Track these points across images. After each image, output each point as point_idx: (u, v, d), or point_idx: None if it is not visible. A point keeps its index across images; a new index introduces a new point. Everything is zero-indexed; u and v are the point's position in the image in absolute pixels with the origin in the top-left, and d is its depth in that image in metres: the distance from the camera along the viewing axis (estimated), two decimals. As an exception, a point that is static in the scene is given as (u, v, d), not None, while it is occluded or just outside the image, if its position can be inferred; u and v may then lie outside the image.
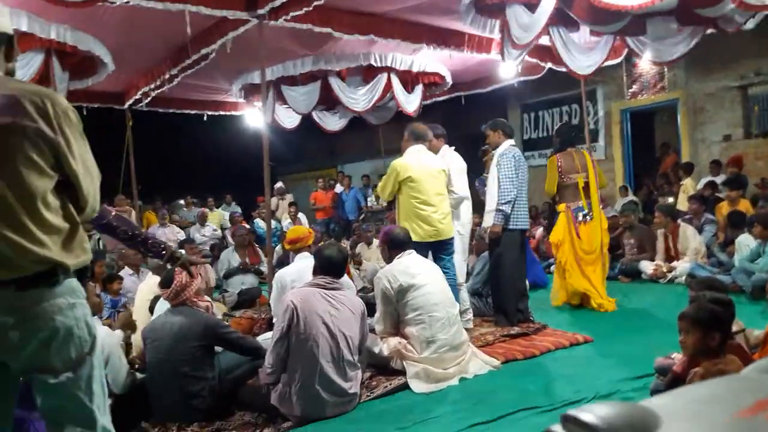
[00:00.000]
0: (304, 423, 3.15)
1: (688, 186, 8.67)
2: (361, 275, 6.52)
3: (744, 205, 7.03)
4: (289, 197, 11.51)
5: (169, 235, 9.47)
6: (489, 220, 4.95)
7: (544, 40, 6.19)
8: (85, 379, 1.79)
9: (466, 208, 5.04)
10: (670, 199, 8.78)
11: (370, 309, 3.83)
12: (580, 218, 5.45)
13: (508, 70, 8.68)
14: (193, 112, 9.76)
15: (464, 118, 10.03)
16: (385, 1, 6.04)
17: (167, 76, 7.40)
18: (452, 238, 4.66)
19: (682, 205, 8.13)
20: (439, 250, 4.59)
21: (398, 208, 4.65)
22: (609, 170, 10.60)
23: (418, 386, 3.55)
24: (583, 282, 5.44)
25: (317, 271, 3.51)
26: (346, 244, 7.74)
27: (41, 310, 1.69)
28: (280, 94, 8.02)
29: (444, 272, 4.22)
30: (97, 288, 5.60)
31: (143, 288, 4.74)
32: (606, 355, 4.07)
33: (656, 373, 3.05)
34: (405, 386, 3.58)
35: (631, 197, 9.87)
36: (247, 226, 9.96)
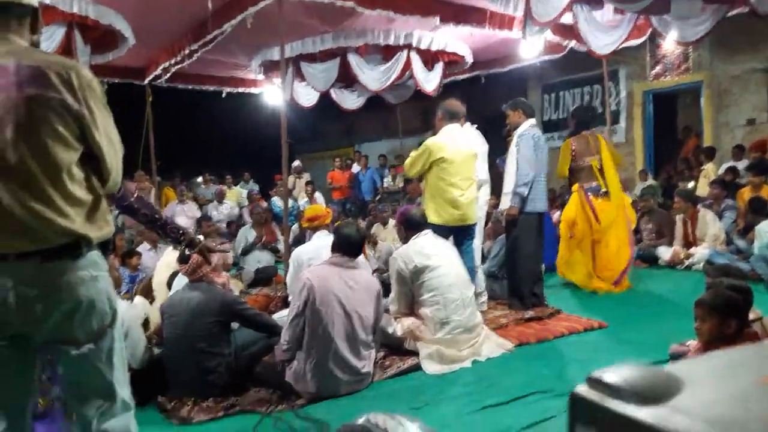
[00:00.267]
0: (318, 400, 3.19)
1: (709, 171, 8.51)
2: (376, 255, 6.53)
3: (766, 192, 6.90)
4: (306, 176, 11.51)
5: (188, 211, 9.54)
6: (506, 202, 4.89)
7: (567, 18, 6.07)
8: (105, 351, 1.82)
9: (485, 191, 4.98)
10: (690, 184, 8.65)
11: (385, 289, 3.84)
12: (598, 194, 5.44)
13: (530, 50, 8.49)
14: (212, 88, 9.80)
15: (484, 97, 9.90)
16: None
17: (187, 51, 7.40)
18: (476, 224, 4.63)
19: (703, 190, 7.99)
20: (461, 234, 4.55)
21: (425, 187, 4.61)
22: (629, 153, 10.44)
23: (431, 367, 3.57)
24: (583, 267, 5.49)
25: (335, 248, 3.52)
26: (362, 224, 7.75)
27: (64, 283, 1.71)
28: (299, 70, 8.00)
29: (464, 255, 4.20)
30: (116, 262, 5.69)
31: (161, 265, 4.80)
32: (620, 341, 4.06)
33: (670, 360, 3.04)
34: (418, 367, 3.60)
35: (650, 182, 9.73)
36: (265, 204, 10.03)
